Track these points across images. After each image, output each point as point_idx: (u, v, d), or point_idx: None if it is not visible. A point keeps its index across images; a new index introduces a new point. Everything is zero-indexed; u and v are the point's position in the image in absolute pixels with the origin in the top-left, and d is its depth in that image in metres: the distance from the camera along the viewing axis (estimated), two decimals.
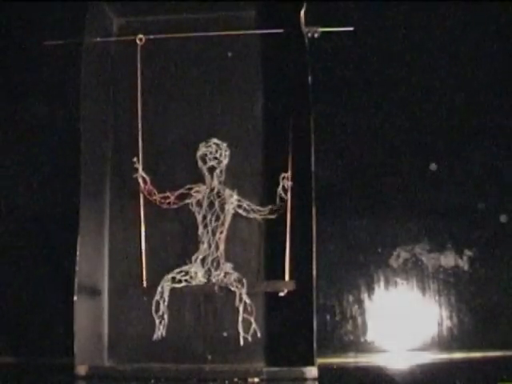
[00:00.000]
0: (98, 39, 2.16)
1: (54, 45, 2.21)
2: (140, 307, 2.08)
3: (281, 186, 2.05)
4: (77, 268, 1.96)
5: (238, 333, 1.95)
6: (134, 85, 2.15)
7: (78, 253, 1.97)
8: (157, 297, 1.99)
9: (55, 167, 2.23)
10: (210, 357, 2.09)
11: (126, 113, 2.20)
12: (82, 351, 1.95)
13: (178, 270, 2.02)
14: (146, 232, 2.09)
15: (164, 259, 2.12)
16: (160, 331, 1.99)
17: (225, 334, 2.09)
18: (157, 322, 1.99)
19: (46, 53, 2.25)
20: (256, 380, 1.92)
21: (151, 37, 2.18)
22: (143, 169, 2.10)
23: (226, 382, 1.91)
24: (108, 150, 2.21)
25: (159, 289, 1.99)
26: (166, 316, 1.99)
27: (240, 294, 1.97)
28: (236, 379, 1.92)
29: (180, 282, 2.00)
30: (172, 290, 2.00)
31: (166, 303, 1.99)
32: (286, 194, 2.05)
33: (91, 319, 2.06)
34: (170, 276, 2.01)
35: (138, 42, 2.18)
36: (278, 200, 2.06)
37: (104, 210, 2.18)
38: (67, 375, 1.95)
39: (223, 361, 2.07)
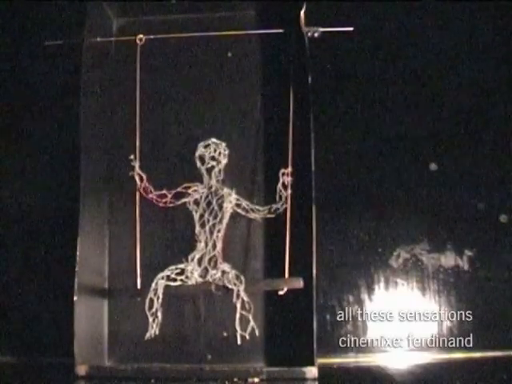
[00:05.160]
0: (98, 39, 2.15)
1: (54, 45, 2.21)
2: (140, 307, 2.08)
3: (280, 183, 2.05)
4: (77, 268, 1.96)
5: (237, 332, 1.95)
6: (134, 85, 2.15)
7: (77, 253, 1.97)
8: (150, 294, 1.99)
9: (54, 167, 2.23)
10: (209, 357, 2.09)
11: (125, 112, 2.20)
12: (82, 351, 1.95)
13: (172, 267, 2.01)
14: (144, 231, 2.10)
15: (162, 259, 2.11)
16: (153, 329, 1.99)
17: (225, 334, 2.09)
18: (150, 319, 1.98)
19: (46, 53, 2.26)
20: (256, 380, 1.92)
21: (151, 37, 2.19)
22: (141, 168, 2.11)
23: (226, 382, 1.90)
24: (108, 149, 2.21)
25: (153, 286, 1.99)
26: (159, 314, 1.99)
27: (238, 291, 1.96)
28: (236, 379, 1.92)
29: (175, 280, 2.00)
30: (171, 289, 2.00)
31: (160, 301, 1.99)
32: (285, 190, 2.05)
33: (91, 319, 2.06)
34: (164, 273, 2.00)
35: (137, 41, 2.18)
36: (277, 198, 2.06)
37: (104, 209, 2.18)
38: (67, 375, 1.95)
39: (223, 361, 2.07)
